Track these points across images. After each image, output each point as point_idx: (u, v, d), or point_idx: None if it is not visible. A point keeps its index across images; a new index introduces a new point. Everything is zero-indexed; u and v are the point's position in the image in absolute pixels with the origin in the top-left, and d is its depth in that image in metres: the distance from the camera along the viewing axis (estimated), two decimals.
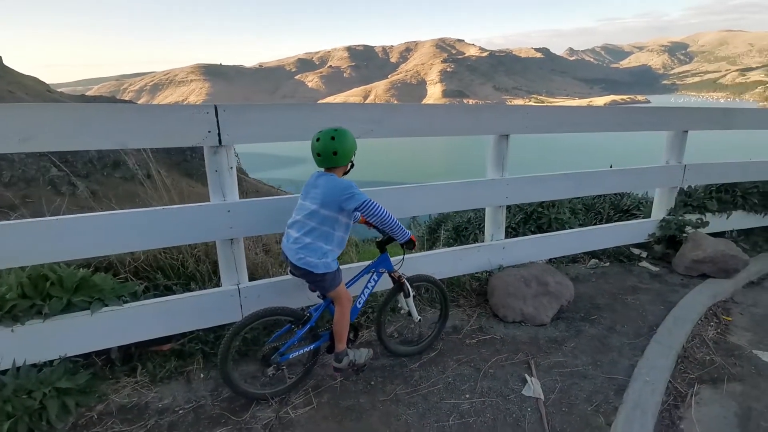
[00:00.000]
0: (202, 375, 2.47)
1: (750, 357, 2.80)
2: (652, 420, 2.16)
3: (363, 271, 2.51)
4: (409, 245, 2.30)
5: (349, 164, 2.26)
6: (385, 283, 2.62)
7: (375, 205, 2.13)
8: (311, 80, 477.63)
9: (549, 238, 3.68)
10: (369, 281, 2.49)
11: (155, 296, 2.57)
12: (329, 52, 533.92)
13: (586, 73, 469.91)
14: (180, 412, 2.21)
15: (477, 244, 3.40)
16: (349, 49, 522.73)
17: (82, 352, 2.31)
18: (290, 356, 2.27)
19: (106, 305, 2.33)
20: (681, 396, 2.44)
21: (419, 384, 2.43)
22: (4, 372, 2.13)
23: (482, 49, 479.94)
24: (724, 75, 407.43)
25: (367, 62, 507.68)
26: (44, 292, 2.25)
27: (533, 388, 2.38)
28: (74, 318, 2.24)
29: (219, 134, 2.32)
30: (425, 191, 3.05)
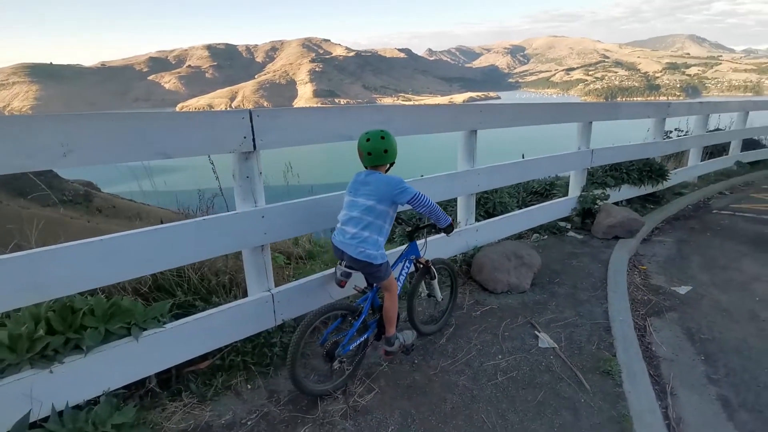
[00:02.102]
0: (249, 386, 2.42)
1: (671, 293, 3.66)
2: (637, 346, 2.77)
3: (398, 260, 2.70)
4: (448, 229, 2.55)
5: (392, 162, 2.43)
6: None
7: (424, 196, 2.35)
8: (168, 81, 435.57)
9: (507, 219, 4.24)
10: (403, 269, 2.69)
11: (176, 317, 2.43)
12: (187, 50, 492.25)
13: (445, 72, 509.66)
14: (249, 423, 2.17)
15: (457, 230, 3.78)
16: (209, 47, 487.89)
17: (127, 383, 2.11)
18: (350, 347, 2.37)
19: (145, 329, 2.16)
20: (641, 328, 3.13)
21: (456, 355, 2.72)
22: (45, 419, 1.87)
23: (349, 49, 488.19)
24: (554, 74, 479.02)
25: (231, 62, 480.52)
26: (75, 324, 2.01)
27: (546, 340, 2.84)
28: (116, 347, 2.04)
29: (253, 139, 2.31)
30: (419, 185, 3.31)
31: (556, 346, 2.79)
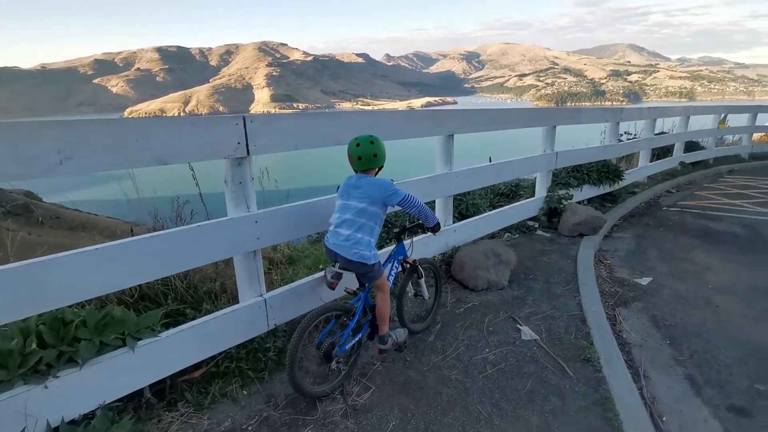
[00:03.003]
0: (245, 392, 2.41)
1: (634, 284, 3.93)
2: (612, 334, 2.97)
3: (386, 260, 2.77)
4: (436, 228, 2.65)
5: (381, 166, 2.50)
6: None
7: (413, 198, 2.44)
8: (116, 84, 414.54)
9: (482, 219, 4.41)
10: (392, 269, 2.77)
11: (164, 326, 2.39)
12: (135, 53, 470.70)
13: (403, 77, 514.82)
14: (249, 429, 2.17)
15: None
16: (160, 50, 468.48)
17: (123, 395, 2.06)
18: (346, 347, 2.42)
19: (139, 339, 2.12)
20: (611, 317, 3.35)
21: (446, 350, 2.82)
22: None
23: (306, 54, 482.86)
24: (508, 80, 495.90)
25: (184, 65, 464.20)
26: (68, 336, 1.94)
27: (528, 333, 3.00)
28: (112, 359, 1.99)
29: (247, 145, 2.32)
30: (404, 188, 3.40)
31: (538, 337, 2.95)
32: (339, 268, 2.41)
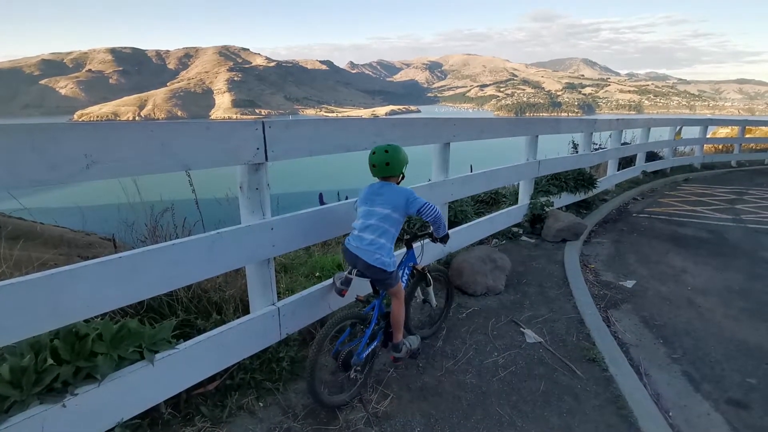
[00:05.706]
0: (261, 404, 2.35)
1: (620, 287, 4.11)
2: (610, 335, 3.10)
3: (398, 267, 2.77)
4: (445, 239, 2.70)
5: (401, 175, 2.52)
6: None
7: (431, 205, 2.47)
8: (65, 86, 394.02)
9: (474, 225, 4.50)
10: (403, 276, 2.77)
11: (175, 338, 2.30)
12: (86, 53, 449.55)
13: (367, 85, 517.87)
14: None
15: None
16: (113, 51, 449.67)
17: (142, 411, 1.96)
18: (363, 355, 2.39)
19: (157, 352, 2.02)
20: (605, 319, 3.49)
21: (456, 355, 2.85)
22: None
23: (269, 59, 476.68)
24: (470, 90, 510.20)
25: (139, 68, 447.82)
26: (84, 351, 1.83)
27: (532, 336, 3.08)
28: (131, 374, 1.89)
29: (265, 151, 2.28)
30: None
31: (542, 340, 3.04)
32: (356, 273, 2.40)
